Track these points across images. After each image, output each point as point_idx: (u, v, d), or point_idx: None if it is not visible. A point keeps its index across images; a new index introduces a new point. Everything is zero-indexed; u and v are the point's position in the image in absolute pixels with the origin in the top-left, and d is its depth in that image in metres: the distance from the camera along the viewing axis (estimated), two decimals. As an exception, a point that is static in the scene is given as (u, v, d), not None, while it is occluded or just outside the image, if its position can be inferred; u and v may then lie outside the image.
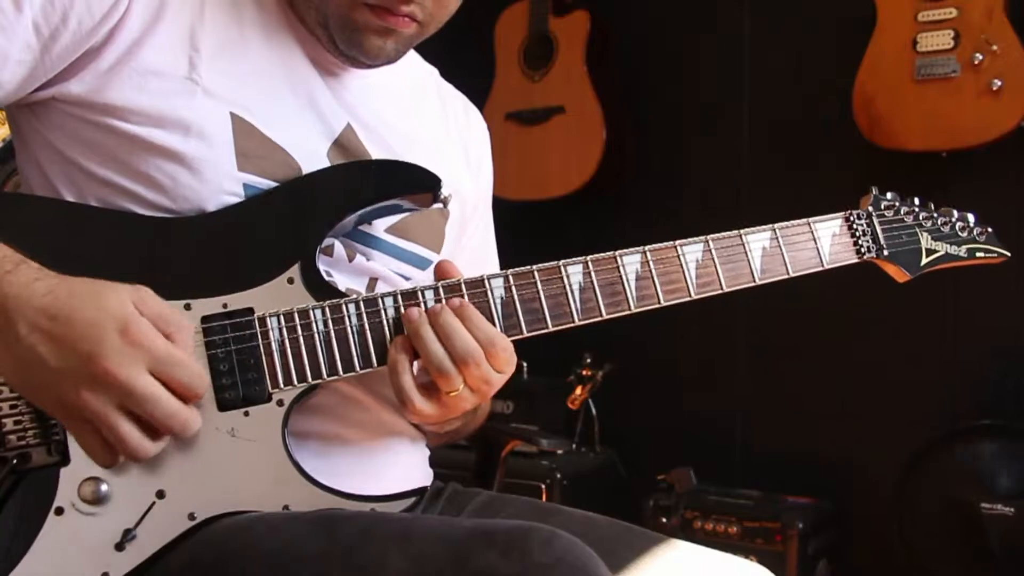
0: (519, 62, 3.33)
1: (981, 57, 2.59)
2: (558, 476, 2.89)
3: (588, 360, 3.09)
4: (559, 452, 3.03)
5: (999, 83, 2.57)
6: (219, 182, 1.11)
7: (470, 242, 1.41)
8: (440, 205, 1.22)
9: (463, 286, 1.12)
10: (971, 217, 1.39)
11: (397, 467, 1.24)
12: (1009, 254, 1.40)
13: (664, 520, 2.85)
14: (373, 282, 1.23)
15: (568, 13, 3.28)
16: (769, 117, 3.15)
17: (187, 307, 1.05)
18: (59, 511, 0.99)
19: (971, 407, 2.80)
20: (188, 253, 1.08)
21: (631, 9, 3.35)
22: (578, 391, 3.10)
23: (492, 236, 1.48)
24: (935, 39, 2.65)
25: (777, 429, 3.12)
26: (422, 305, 1.10)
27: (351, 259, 1.21)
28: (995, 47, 2.58)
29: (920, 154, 2.72)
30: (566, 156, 3.24)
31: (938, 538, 2.65)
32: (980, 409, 2.78)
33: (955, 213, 1.38)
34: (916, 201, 1.37)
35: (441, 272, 1.15)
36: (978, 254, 1.38)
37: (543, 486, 2.87)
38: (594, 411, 3.17)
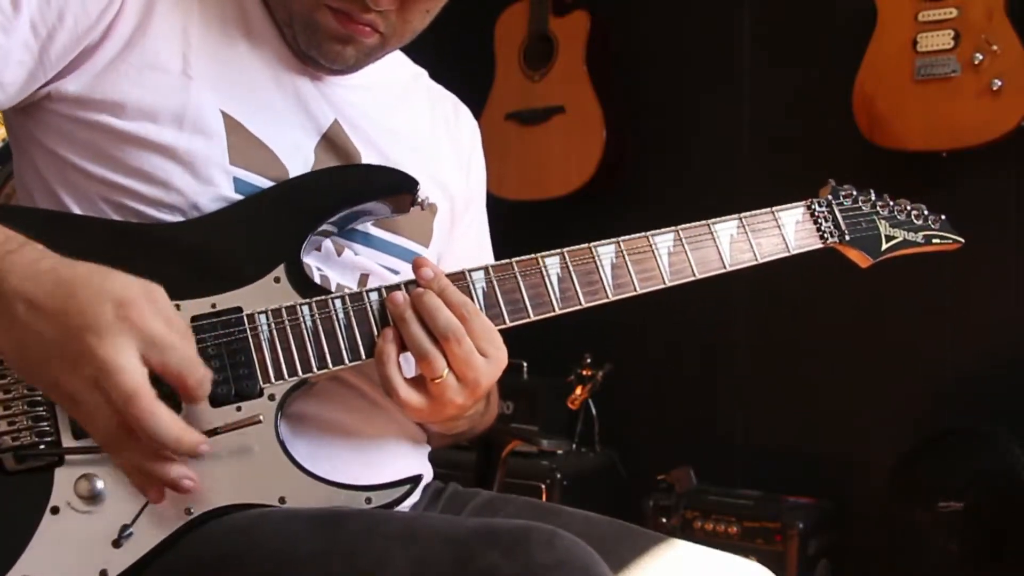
0: (519, 62, 3.32)
1: (981, 57, 2.58)
2: (558, 476, 2.89)
3: (588, 360, 3.09)
4: (559, 452, 3.03)
5: (999, 83, 2.57)
6: (211, 175, 1.12)
7: (463, 239, 1.41)
8: (419, 209, 1.24)
9: None
10: (924, 206, 1.44)
11: (396, 459, 1.24)
12: (963, 240, 1.44)
13: (664, 520, 2.85)
14: (364, 278, 1.25)
15: (568, 13, 3.28)
16: (768, 117, 3.15)
17: (176, 307, 1.05)
18: (55, 510, 0.99)
19: (971, 408, 2.80)
20: (175, 256, 1.09)
21: (631, 9, 3.35)
22: (578, 391, 3.10)
23: (487, 234, 1.48)
24: (935, 39, 2.65)
25: (777, 429, 3.12)
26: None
27: (339, 253, 1.22)
28: (995, 47, 2.58)
29: (920, 154, 2.72)
30: (566, 156, 3.24)
31: (913, 539, 2.67)
32: (979, 411, 2.78)
33: (909, 203, 1.43)
34: (872, 192, 1.41)
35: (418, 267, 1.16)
36: (934, 240, 1.43)
37: (543, 486, 2.88)
38: (594, 411, 3.17)
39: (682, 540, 1.21)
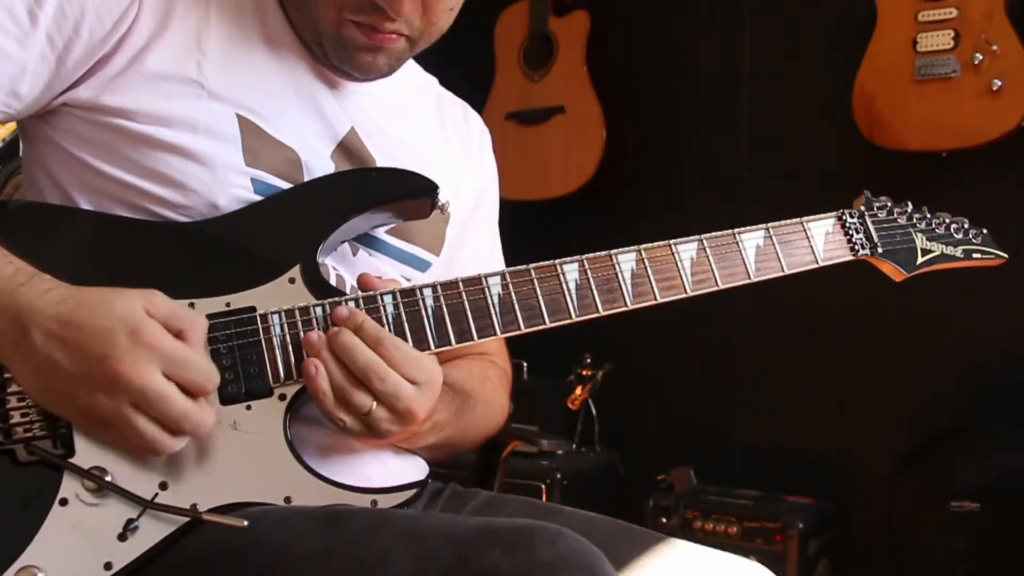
0: (519, 62, 3.33)
1: (981, 57, 2.59)
2: (558, 476, 2.89)
3: (588, 360, 3.09)
4: (559, 452, 3.02)
5: (999, 83, 2.57)
6: (228, 177, 1.13)
7: (475, 236, 1.42)
8: (439, 212, 1.24)
9: (460, 284, 1.14)
10: (966, 220, 1.40)
11: (401, 461, 1.24)
12: (1007, 256, 1.40)
13: (664, 520, 2.85)
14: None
15: (568, 13, 3.28)
16: (769, 117, 3.15)
17: (191, 306, 1.07)
18: (63, 502, 1.01)
19: (970, 407, 2.80)
20: (192, 255, 1.11)
21: (631, 9, 3.35)
22: (578, 391, 3.10)
23: (496, 233, 1.48)
24: (935, 39, 2.65)
25: (777, 429, 3.12)
26: (421, 303, 1.12)
27: (354, 254, 1.23)
28: (995, 47, 2.58)
29: (920, 154, 2.73)
30: (566, 156, 3.24)
31: (915, 539, 2.67)
32: (979, 409, 2.78)
33: (949, 216, 1.39)
34: (909, 204, 1.38)
35: (362, 284, 1.15)
36: (975, 255, 1.39)
37: (543, 486, 2.87)
38: (594, 411, 3.17)
39: (682, 540, 1.21)
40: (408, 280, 1.27)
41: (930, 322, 2.89)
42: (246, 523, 1.00)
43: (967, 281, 2.78)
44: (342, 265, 1.22)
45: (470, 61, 3.09)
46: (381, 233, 1.25)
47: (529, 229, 2.85)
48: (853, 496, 2.94)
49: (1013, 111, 2.58)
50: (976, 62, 2.59)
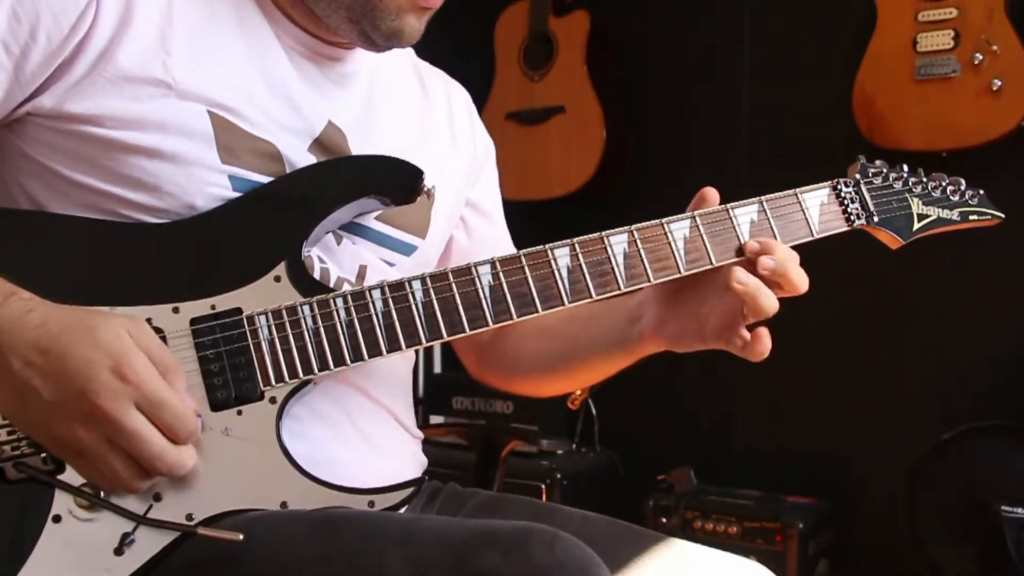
0: (519, 62, 3.33)
1: (981, 57, 2.59)
2: (558, 476, 2.89)
3: (588, 360, 3.09)
4: (559, 452, 3.03)
5: (999, 83, 2.57)
6: (204, 176, 1.10)
7: (486, 193, 1.42)
8: (424, 197, 1.22)
9: (450, 275, 1.11)
10: (962, 181, 1.36)
11: (396, 459, 1.24)
12: (1003, 216, 1.36)
13: (664, 520, 2.85)
14: (363, 270, 1.23)
15: (568, 13, 3.28)
16: (769, 117, 3.14)
17: (175, 310, 1.05)
18: (56, 519, 0.99)
19: (971, 407, 2.80)
20: (174, 257, 1.08)
21: (631, 9, 3.35)
22: (578, 391, 3.09)
23: (498, 196, 1.47)
24: (935, 39, 2.65)
25: (778, 429, 3.12)
26: (410, 296, 1.10)
27: (338, 243, 1.21)
28: (995, 47, 2.58)
29: (920, 154, 2.72)
30: (566, 156, 3.24)
31: (952, 539, 2.62)
32: (980, 409, 2.78)
33: (945, 178, 1.36)
34: (905, 168, 1.35)
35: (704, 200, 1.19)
36: (971, 217, 1.35)
37: (543, 486, 2.87)
38: (594, 411, 3.17)
39: (682, 540, 1.21)
40: (393, 265, 1.26)
41: (931, 323, 2.88)
42: (241, 536, 0.98)
43: (969, 279, 2.79)
44: (327, 255, 1.19)
45: (470, 61, 3.09)
46: (365, 220, 1.23)
47: (529, 229, 2.84)
48: (853, 496, 2.94)
49: (1013, 111, 2.58)
50: (976, 62, 2.59)
